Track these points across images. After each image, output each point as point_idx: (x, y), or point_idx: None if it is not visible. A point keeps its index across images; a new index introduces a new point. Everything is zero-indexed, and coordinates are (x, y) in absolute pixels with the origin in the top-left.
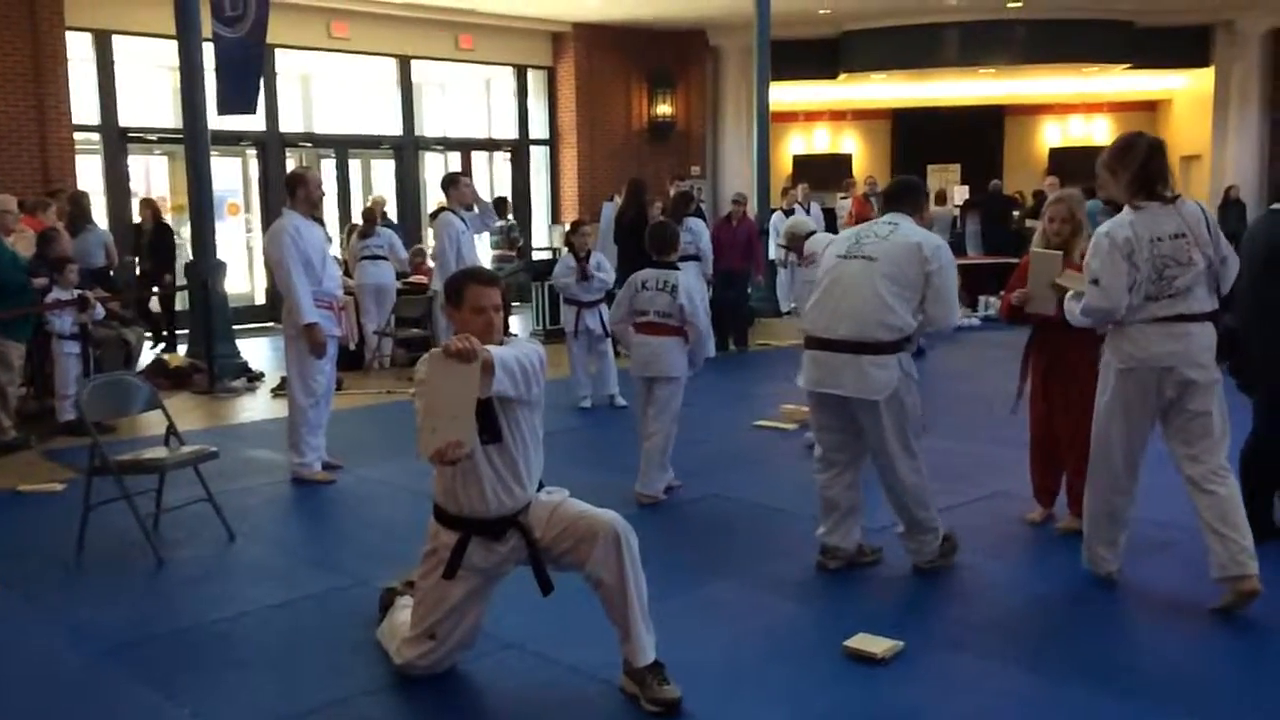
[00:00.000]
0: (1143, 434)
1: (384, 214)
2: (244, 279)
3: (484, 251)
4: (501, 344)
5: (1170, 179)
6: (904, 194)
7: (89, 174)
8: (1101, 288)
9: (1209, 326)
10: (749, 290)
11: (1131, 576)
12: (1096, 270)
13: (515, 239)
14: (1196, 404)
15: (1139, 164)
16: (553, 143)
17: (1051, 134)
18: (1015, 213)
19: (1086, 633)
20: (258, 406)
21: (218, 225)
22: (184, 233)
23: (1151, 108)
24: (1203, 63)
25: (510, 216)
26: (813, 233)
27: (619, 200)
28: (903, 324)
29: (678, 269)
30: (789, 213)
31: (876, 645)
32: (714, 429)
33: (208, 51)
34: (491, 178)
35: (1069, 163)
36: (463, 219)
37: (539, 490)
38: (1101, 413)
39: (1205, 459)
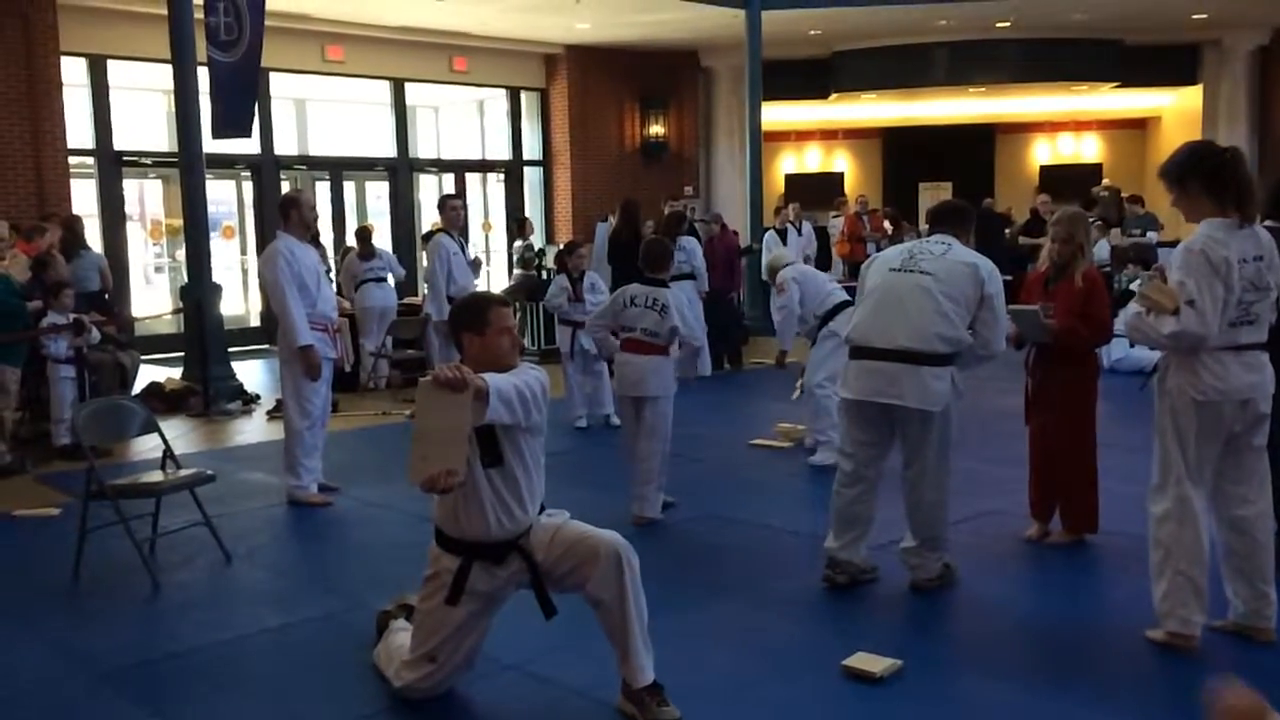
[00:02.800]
0: (1216, 464)
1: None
2: (239, 301)
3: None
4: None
5: (1255, 194)
6: (953, 216)
7: (84, 198)
8: (1199, 311)
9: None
10: (742, 309)
11: (1126, 592)
12: (1193, 290)
13: (531, 259)
14: (1259, 438)
15: (1238, 177)
16: (546, 164)
17: (1042, 152)
18: (1007, 230)
19: (1085, 650)
20: (253, 429)
21: (212, 248)
22: (179, 256)
23: (1141, 125)
24: (1191, 80)
25: (531, 237)
26: (790, 264)
27: (613, 220)
28: (959, 337)
29: (668, 287)
30: (781, 232)
31: (875, 664)
32: (710, 448)
33: (202, 75)
34: (485, 199)
35: (1060, 180)
36: (457, 240)
37: (540, 513)
38: (1173, 451)
39: (1255, 499)
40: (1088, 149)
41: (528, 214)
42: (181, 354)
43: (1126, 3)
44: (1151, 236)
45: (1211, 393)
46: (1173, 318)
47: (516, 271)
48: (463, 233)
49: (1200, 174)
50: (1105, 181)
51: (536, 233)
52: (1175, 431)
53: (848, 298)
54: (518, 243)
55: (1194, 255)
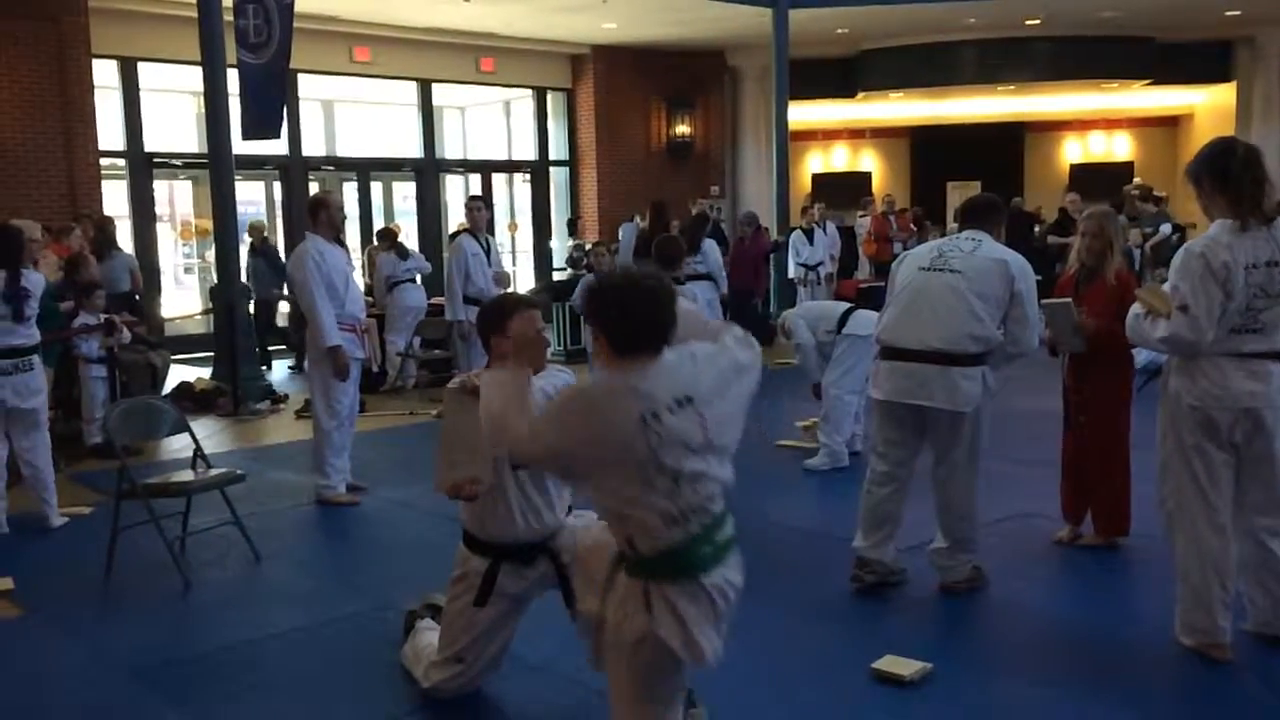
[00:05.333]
0: (1227, 471)
1: (264, 238)
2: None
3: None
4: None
5: (1271, 194)
6: (983, 211)
7: (115, 199)
8: (1191, 316)
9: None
10: (767, 308)
11: (1158, 595)
12: (1187, 295)
13: (580, 259)
14: (1267, 448)
15: (1250, 176)
16: (572, 164)
17: (1072, 150)
18: (1036, 228)
19: (1117, 655)
20: (282, 429)
21: (242, 249)
22: (209, 256)
23: (1173, 123)
24: (1224, 78)
25: (585, 237)
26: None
27: (639, 221)
28: (990, 336)
29: (683, 283)
30: (808, 231)
31: (905, 667)
32: (736, 449)
33: (232, 77)
34: (511, 199)
35: (1090, 179)
36: (482, 242)
37: (568, 514)
38: (1174, 457)
39: (1269, 509)
40: (1119, 147)
41: (553, 214)
42: (211, 354)
43: None
44: (1164, 229)
45: (1207, 399)
46: (1165, 321)
47: (569, 271)
48: (490, 232)
49: (1212, 172)
50: (1136, 180)
51: (558, 233)
52: (1175, 436)
53: (850, 305)
54: (570, 242)
55: (1193, 258)
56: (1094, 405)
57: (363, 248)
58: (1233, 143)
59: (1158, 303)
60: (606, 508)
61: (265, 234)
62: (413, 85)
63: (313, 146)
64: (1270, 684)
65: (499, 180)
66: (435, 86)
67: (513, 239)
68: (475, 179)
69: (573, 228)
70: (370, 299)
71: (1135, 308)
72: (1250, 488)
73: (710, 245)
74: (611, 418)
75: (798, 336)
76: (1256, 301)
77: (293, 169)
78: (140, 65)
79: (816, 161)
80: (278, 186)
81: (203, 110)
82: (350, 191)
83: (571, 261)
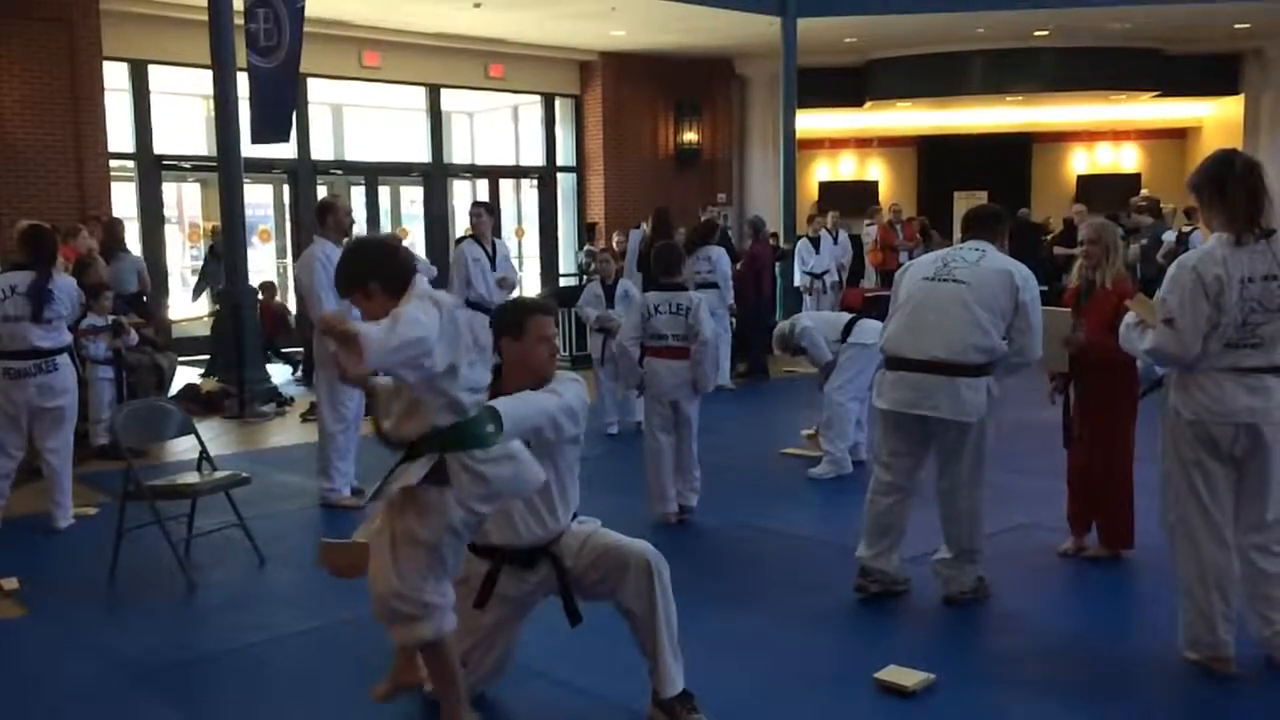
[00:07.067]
0: (1228, 485)
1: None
2: None
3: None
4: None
5: (1269, 208)
6: (987, 221)
7: (124, 201)
8: (1176, 330)
9: None
10: (773, 317)
11: (1163, 608)
12: (1174, 308)
13: (586, 264)
14: (1263, 464)
15: (1246, 189)
16: (580, 170)
17: (1079, 161)
18: (1046, 237)
19: (1121, 668)
20: (288, 432)
21: (249, 251)
22: None
23: (1180, 135)
24: (1232, 90)
25: (599, 244)
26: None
27: (645, 228)
28: (994, 346)
29: (686, 289)
30: (814, 240)
31: (908, 678)
32: (741, 457)
33: (242, 80)
34: (519, 205)
35: (1097, 190)
36: (486, 248)
37: (572, 520)
38: (1175, 471)
39: (1266, 528)
40: (1126, 159)
41: (560, 220)
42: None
43: (1166, 11)
44: (1168, 238)
45: (1204, 413)
46: (1151, 333)
47: (585, 279)
48: (497, 235)
49: (1209, 184)
50: (1144, 192)
51: (565, 239)
52: (1175, 451)
53: (854, 315)
54: (586, 247)
55: (1184, 271)
56: (1098, 418)
57: None
58: (1231, 155)
59: (1146, 314)
60: (433, 385)
61: None
62: (422, 90)
63: (321, 150)
64: (1275, 699)
65: (507, 186)
66: (444, 92)
67: (519, 244)
68: (483, 184)
69: (590, 233)
70: None
71: (1129, 317)
72: (1245, 503)
73: (720, 254)
74: (435, 310)
75: (801, 323)
76: (1254, 316)
77: (301, 173)
78: (150, 68)
79: (824, 170)
80: (286, 190)
81: (212, 113)
82: (358, 196)
83: (580, 269)
